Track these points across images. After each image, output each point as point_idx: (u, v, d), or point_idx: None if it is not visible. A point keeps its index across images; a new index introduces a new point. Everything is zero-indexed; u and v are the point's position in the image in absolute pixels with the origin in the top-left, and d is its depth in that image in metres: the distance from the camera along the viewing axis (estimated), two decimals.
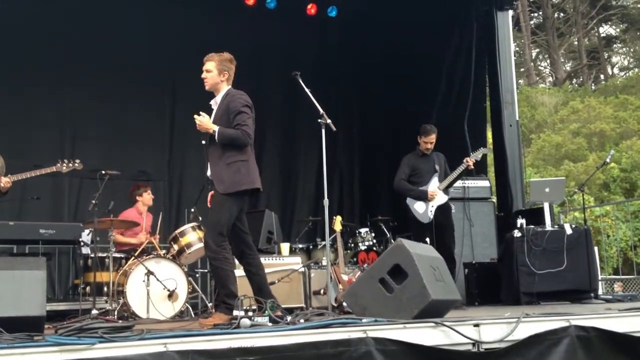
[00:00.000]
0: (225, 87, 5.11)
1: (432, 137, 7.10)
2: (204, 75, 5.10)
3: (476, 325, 3.93)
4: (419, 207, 6.97)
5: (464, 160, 6.99)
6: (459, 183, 8.29)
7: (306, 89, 5.69)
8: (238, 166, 4.89)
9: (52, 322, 5.22)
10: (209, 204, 5.14)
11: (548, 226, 7.43)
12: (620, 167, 18.39)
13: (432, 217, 6.91)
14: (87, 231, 7.45)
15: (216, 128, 4.87)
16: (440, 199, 6.99)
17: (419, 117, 10.09)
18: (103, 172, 6.79)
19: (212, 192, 5.07)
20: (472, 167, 7.02)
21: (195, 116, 4.94)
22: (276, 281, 6.54)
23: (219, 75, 5.06)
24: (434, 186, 7.00)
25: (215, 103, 5.14)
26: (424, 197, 6.93)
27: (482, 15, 9.26)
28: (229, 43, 10.19)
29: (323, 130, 5.64)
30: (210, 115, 5.08)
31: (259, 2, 9.99)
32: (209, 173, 5.04)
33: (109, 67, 9.30)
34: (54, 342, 3.09)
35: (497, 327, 3.99)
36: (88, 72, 9.20)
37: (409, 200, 7.05)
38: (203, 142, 5.11)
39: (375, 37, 10.78)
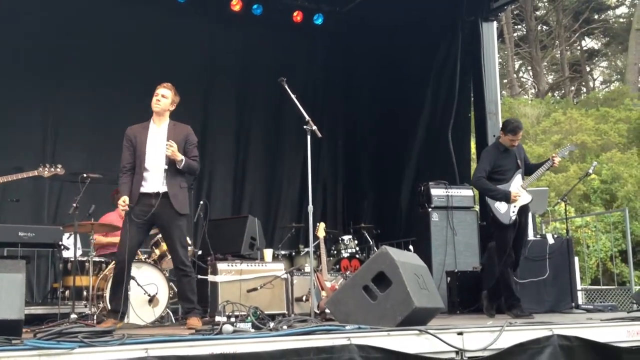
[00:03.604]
0: (168, 116, 5.68)
1: (520, 135, 6.38)
2: (159, 98, 5.60)
3: (460, 334, 3.93)
4: (500, 207, 6.27)
5: (550, 157, 6.45)
6: (442, 192, 8.38)
7: (292, 95, 5.68)
8: (186, 192, 5.64)
9: (30, 326, 5.14)
10: (121, 209, 5.56)
11: (530, 236, 7.46)
12: (601, 179, 18.50)
13: (514, 218, 6.25)
14: (67, 234, 7.35)
15: (183, 158, 5.47)
16: (525, 198, 6.30)
17: (405, 126, 10.16)
18: (84, 175, 6.71)
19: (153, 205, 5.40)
20: (557, 165, 6.46)
21: (168, 144, 5.42)
22: (258, 287, 6.51)
23: (170, 104, 5.64)
24: (516, 185, 6.30)
25: (154, 127, 5.61)
26: (507, 199, 6.22)
27: (468, 26, 9.31)
28: (215, 49, 10.30)
29: (308, 137, 5.63)
30: (146, 138, 5.56)
31: (245, 9, 9.95)
32: (160, 189, 5.46)
33: (93, 71, 9.22)
34: (33, 346, 3.03)
35: (481, 336, 4.00)
36: (71, 75, 9.12)
37: (488, 199, 6.37)
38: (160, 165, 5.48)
39: (362, 45, 10.79)
